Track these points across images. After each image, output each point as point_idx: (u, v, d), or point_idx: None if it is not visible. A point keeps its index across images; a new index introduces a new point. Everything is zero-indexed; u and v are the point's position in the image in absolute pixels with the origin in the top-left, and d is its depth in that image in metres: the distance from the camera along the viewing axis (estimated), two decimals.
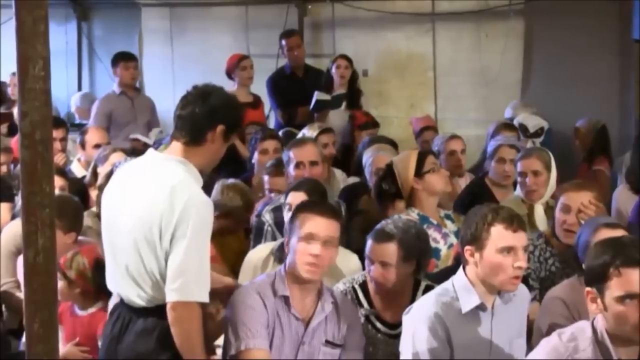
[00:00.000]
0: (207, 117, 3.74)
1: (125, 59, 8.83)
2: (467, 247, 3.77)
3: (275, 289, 3.93)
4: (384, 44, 9.91)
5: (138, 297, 3.76)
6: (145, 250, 3.68)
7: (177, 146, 3.79)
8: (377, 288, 4.30)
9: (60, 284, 4.42)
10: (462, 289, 3.80)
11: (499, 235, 3.70)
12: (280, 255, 4.53)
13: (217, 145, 3.79)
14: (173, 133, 3.84)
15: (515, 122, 7.80)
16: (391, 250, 4.24)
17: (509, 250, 3.70)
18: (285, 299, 3.93)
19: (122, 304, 3.88)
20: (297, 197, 4.59)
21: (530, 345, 4.09)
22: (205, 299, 3.69)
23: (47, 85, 2.46)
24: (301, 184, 4.79)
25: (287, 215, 4.55)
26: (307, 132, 7.06)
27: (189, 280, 3.62)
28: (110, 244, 3.88)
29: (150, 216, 3.65)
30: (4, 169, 7.03)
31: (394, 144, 7.06)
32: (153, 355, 3.74)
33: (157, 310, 3.72)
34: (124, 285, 3.80)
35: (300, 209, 4.02)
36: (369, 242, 4.30)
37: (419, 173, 5.17)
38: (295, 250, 3.90)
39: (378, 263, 4.25)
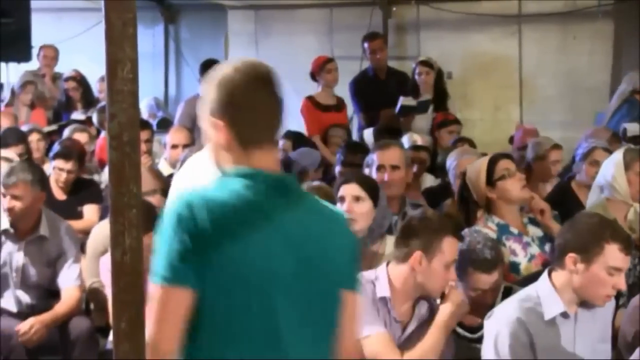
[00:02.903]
0: None
1: None
2: (572, 255, 3.69)
3: (376, 289, 3.92)
4: (469, 46, 9.83)
5: None
6: None
7: None
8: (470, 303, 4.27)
9: None
10: (546, 295, 3.75)
11: (612, 254, 3.63)
12: None
13: None
14: None
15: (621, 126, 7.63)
16: (499, 273, 4.26)
17: (616, 271, 3.64)
18: (387, 301, 3.92)
19: None
20: (348, 189, 4.55)
21: (616, 352, 4.02)
22: None
23: (135, 88, 2.49)
24: (352, 175, 4.74)
25: (340, 207, 4.50)
26: (405, 139, 6.99)
27: None
28: None
29: None
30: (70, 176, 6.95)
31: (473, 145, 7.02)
32: None
33: None
34: None
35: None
36: (475, 274, 4.24)
37: (490, 181, 4.99)
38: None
39: (489, 289, 4.25)
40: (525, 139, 7.69)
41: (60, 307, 5.30)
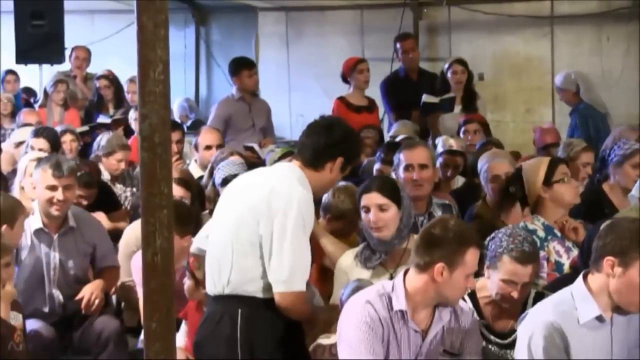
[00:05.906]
0: (330, 148, 4.03)
1: (247, 67, 8.71)
2: (610, 258, 3.62)
3: (391, 304, 3.83)
4: (500, 48, 9.80)
5: (212, 284, 4.02)
6: (243, 233, 3.94)
7: (296, 164, 4.08)
8: (500, 302, 4.21)
9: (188, 283, 4.55)
10: (581, 299, 3.70)
11: None
12: (364, 259, 4.51)
13: (333, 174, 4.10)
14: (294, 156, 4.15)
15: None
16: (533, 270, 4.16)
17: None
18: (403, 313, 3.83)
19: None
20: (371, 199, 4.49)
21: None
22: (304, 287, 3.96)
23: (166, 89, 2.50)
24: (371, 184, 4.63)
25: (365, 217, 4.49)
26: (439, 142, 6.95)
27: (292, 273, 3.88)
28: (212, 241, 4.11)
29: (252, 207, 3.92)
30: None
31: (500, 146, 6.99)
32: (206, 341, 4.05)
33: (221, 299, 3.99)
34: (210, 274, 4.06)
35: None
36: (510, 264, 4.09)
37: (548, 182, 5.00)
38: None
39: (521, 285, 4.11)
40: (544, 139, 7.62)
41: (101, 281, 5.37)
